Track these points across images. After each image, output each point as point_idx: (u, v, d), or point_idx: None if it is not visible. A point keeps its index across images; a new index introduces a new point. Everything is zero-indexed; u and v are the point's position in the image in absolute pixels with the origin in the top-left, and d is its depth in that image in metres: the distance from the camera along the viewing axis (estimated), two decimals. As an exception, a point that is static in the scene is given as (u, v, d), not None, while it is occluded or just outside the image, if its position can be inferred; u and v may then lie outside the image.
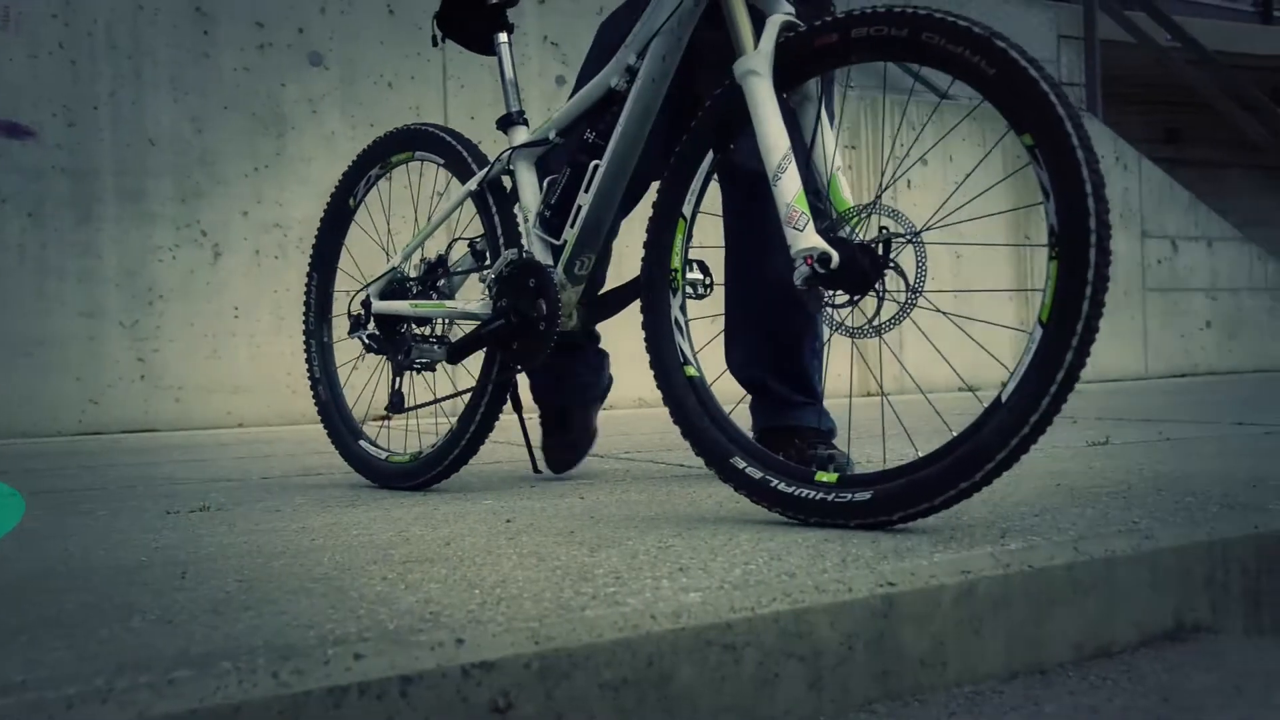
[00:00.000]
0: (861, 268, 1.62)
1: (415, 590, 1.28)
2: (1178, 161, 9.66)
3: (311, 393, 2.62)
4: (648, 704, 1.13)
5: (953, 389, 5.01)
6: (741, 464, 1.75)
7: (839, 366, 2.33)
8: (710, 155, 1.87)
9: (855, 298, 1.65)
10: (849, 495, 1.61)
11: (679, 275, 1.90)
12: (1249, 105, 8.59)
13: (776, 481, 1.71)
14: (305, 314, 2.68)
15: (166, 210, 4.75)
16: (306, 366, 2.64)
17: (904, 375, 5.78)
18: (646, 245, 1.92)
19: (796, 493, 1.67)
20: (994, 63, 1.52)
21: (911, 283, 1.58)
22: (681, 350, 1.87)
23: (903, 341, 5.12)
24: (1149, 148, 8.32)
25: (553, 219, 2.19)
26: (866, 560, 1.37)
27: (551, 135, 2.23)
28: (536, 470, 2.42)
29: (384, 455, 2.43)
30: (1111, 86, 8.03)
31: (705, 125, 1.87)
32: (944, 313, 1.70)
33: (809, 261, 1.62)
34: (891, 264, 1.63)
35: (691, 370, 1.86)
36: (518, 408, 2.30)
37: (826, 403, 2.47)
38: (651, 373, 1.89)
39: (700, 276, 1.93)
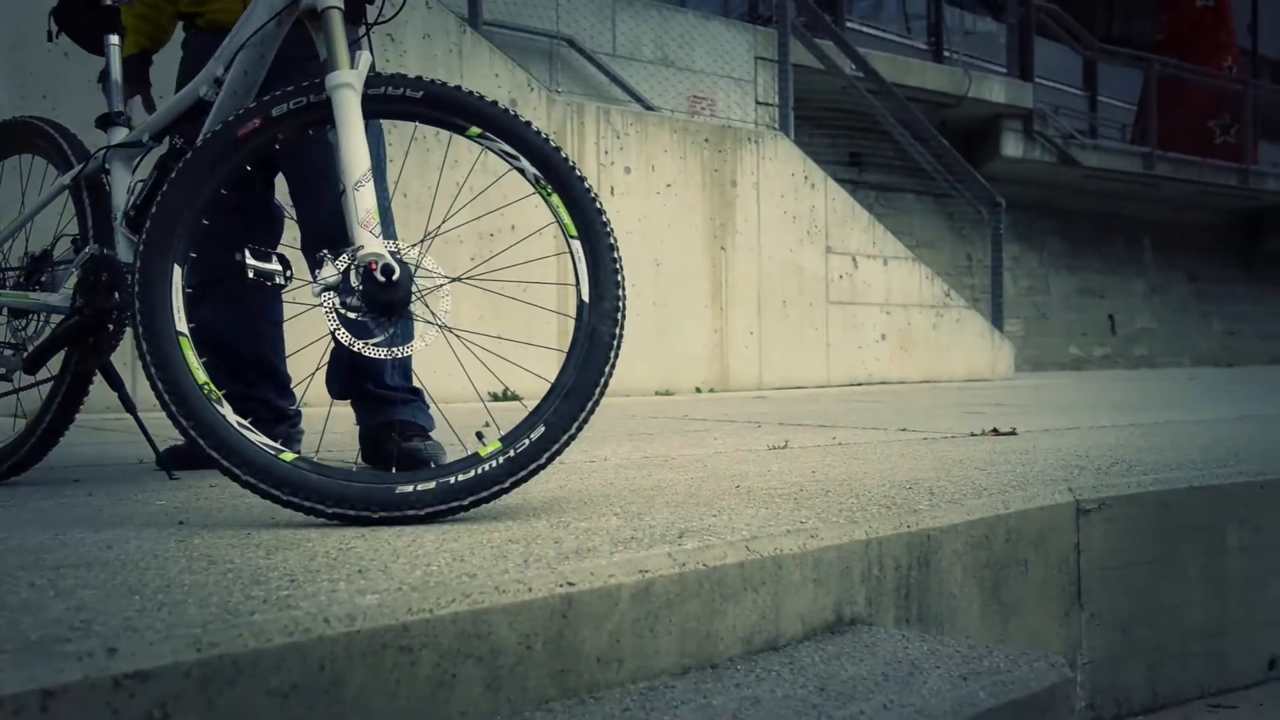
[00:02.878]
0: (406, 292, 1.75)
1: (67, 597, 1.19)
2: (859, 184, 10.36)
3: None
4: (318, 710, 1.10)
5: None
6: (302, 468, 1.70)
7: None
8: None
9: (375, 316, 1.75)
10: (411, 488, 1.66)
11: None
12: (921, 135, 9.32)
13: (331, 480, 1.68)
14: None
15: None
16: None
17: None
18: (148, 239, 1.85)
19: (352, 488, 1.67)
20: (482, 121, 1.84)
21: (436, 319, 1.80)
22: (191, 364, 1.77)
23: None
24: (834, 169, 8.88)
25: (138, 218, 2.17)
26: (548, 560, 1.39)
27: (145, 138, 2.27)
28: (172, 476, 2.33)
29: None
30: (803, 109, 8.51)
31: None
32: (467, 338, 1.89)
33: (373, 267, 1.72)
34: (419, 297, 1.79)
35: (203, 378, 1.77)
36: (131, 408, 2.28)
37: None
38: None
39: (278, 268, 1.87)
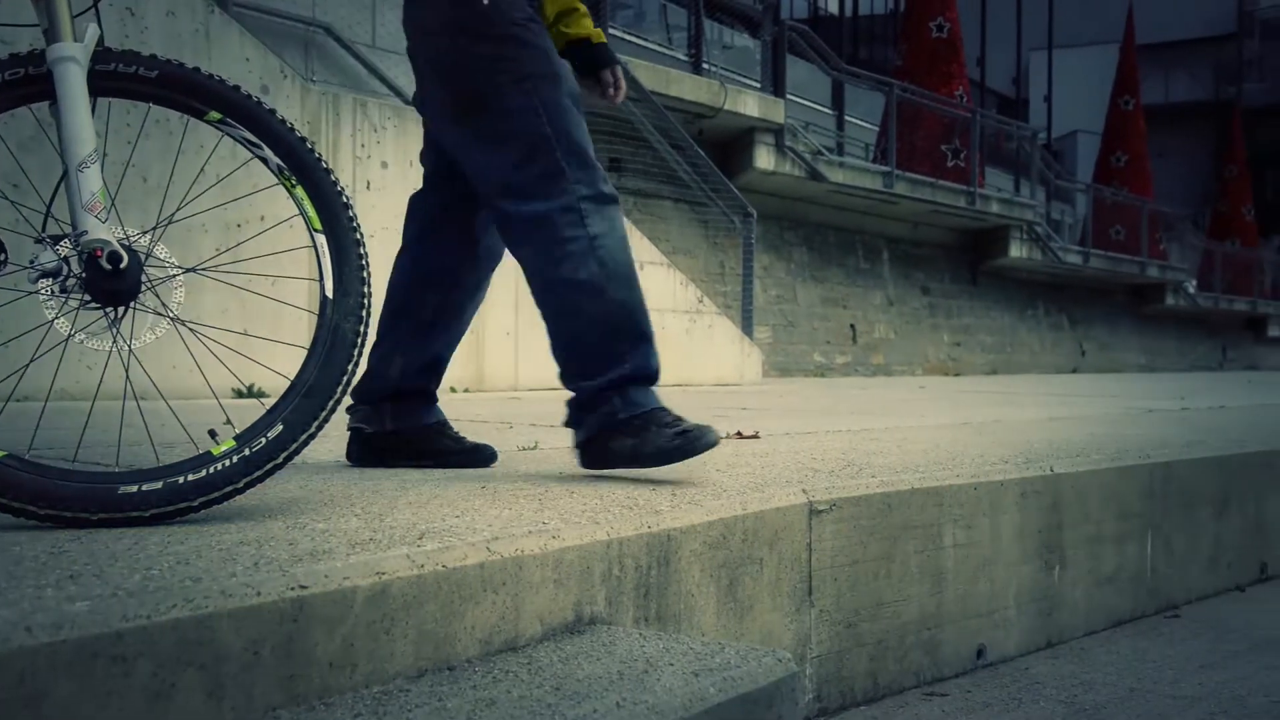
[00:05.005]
0: (135, 281, 1.67)
1: None
2: (619, 189, 10.49)
3: None
4: (16, 727, 1.02)
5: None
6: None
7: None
8: None
9: (102, 305, 1.67)
10: (135, 488, 1.57)
11: None
12: (678, 144, 9.55)
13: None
14: None
15: None
16: None
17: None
18: None
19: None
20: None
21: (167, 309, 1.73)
22: None
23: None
24: (594, 174, 8.95)
25: None
26: (280, 563, 1.34)
27: None
28: None
29: None
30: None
31: None
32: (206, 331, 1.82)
33: (99, 254, 1.63)
34: (149, 286, 1.71)
35: None
36: None
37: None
38: None
39: None
